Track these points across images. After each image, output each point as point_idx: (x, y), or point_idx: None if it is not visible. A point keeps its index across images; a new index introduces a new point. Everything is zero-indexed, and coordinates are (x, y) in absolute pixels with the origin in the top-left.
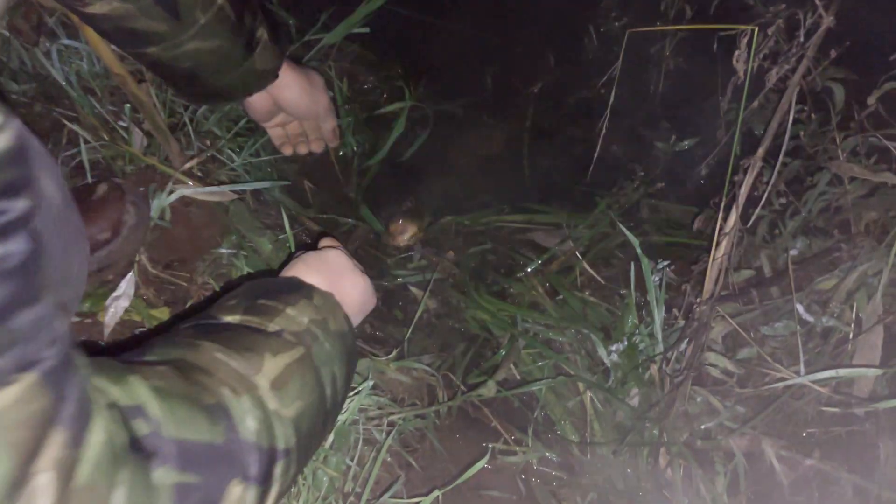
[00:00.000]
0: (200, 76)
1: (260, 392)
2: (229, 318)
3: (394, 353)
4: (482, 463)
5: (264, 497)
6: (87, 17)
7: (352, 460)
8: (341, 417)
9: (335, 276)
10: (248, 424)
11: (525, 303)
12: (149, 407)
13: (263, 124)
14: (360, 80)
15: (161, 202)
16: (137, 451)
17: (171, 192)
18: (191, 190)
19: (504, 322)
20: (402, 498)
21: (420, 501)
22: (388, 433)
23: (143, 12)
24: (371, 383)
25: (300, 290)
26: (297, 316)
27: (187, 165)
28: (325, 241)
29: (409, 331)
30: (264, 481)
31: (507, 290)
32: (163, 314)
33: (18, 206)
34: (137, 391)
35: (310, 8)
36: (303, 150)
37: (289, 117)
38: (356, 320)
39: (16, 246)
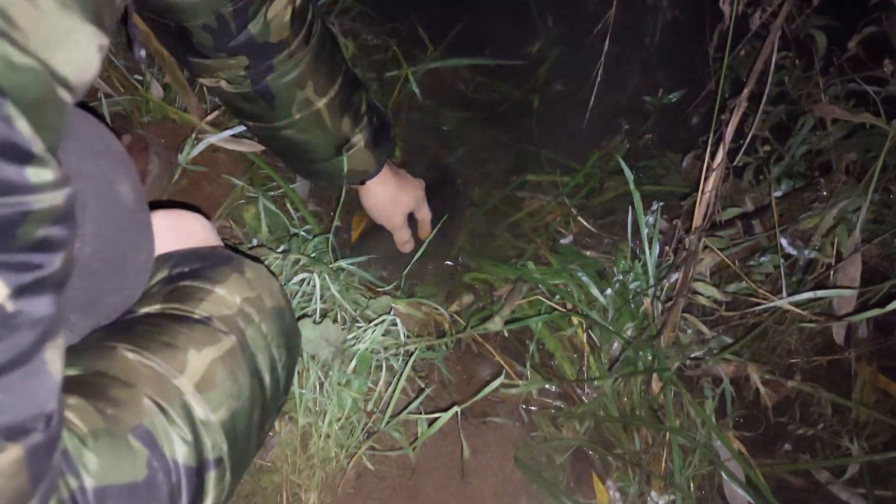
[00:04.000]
0: (293, 151)
1: (185, 397)
2: (147, 309)
3: (393, 285)
4: (498, 381)
5: None
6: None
7: (374, 384)
8: (361, 347)
9: (183, 228)
10: (175, 446)
11: (527, 255)
12: (75, 456)
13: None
14: (364, 37)
15: (191, 150)
16: None
17: (199, 141)
18: (218, 137)
19: (507, 273)
20: (420, 414)
21: (440, 416)
22: (405, 361)
23: (244, 98)
24: (393, 318)
25: (229, 262)
26: (227, 296)
27: (210, 117)
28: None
29: (408, 267)
30: (196, 499)
31: (508, 244)
32: None
33: (55, 263)
34: (68, 441)
35: None
36: (407, 248)
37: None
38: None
39: (40, 307)
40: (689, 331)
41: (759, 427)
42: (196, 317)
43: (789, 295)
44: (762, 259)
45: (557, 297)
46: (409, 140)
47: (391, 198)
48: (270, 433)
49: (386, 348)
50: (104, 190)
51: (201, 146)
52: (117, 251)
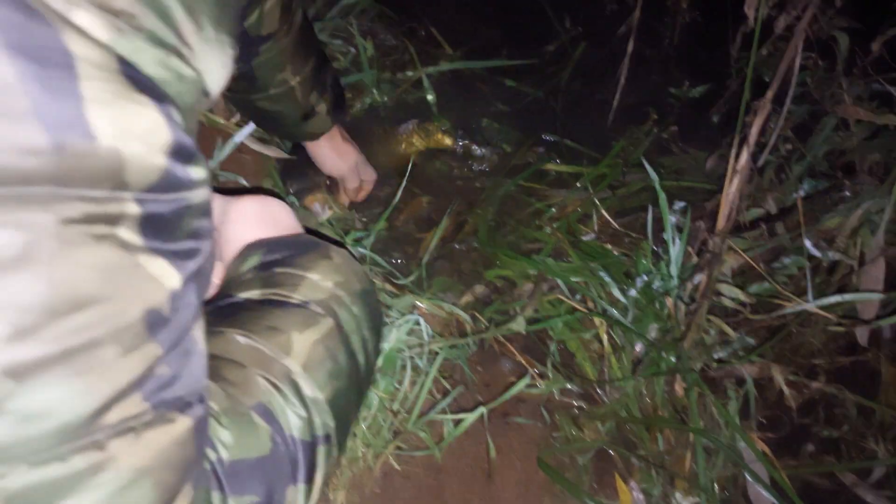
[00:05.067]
0: (263, 118)
1: (294, 377)
2: (248, 294)
3: (412, 277)
4: (524, 382)
5: (311, 489)
6: None
7: (399, 384)
8: (386, 346)
9: (271, 215)
10: (291, 421)
11: (547, 249)
12: (212, 432)
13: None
14: (381, 37)
15: (220, 154)
16: (214, 488)
17: (227, 141)
18: (242, 135)
19: (528, 267)
20: (446, 414)
21: (465, 417)
22: (431, 361)
23: (233, 80)
24: (417, 317)
25: (316, 248)
26: (320, 281)
27: (234, 119)
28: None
29: (426, 258)
30: (311, 476)
31: (528, 236)
32: None
33: (206, 250)
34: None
35: None
36: (343, 199)
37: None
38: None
39: (194, 291)
40: (713, 331)
41: (784, 428)
42: (294, 301)
43: (814, 297)
44: (786, 260)
45: (578, 296)
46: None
47: (339, 150)
48: None
49: (410, 347)
50: None
51: (228, 148)
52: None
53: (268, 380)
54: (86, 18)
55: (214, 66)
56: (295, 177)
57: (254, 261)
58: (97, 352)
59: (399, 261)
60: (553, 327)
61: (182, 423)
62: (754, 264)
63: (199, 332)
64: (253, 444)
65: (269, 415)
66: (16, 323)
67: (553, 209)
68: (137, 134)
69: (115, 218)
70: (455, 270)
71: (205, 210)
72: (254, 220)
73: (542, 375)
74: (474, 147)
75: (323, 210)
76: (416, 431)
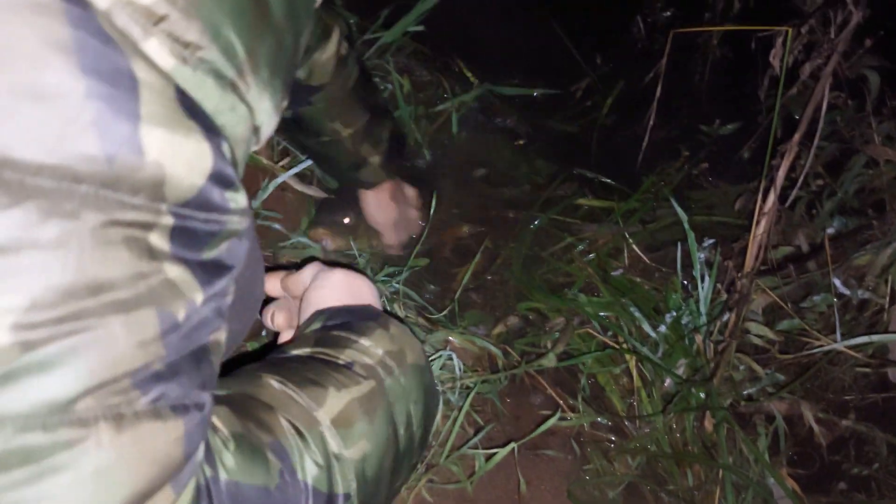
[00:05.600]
0: (315, 156)
1: (321, 429)
2: (298, 351)
3: (445, 312)
4: (554, 419)
5: None
6: None
7: None
8: None
9: (352, 287)
10: (308, 467)
11: (578, 284)
12: (216, 452)
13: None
14: (417, 73)
15: (263, 193)
16: (202, 501)
17: (272, 181)
18: (285, 176)
19: (559, 304)
20: (478, 449)
21: (497, 452)
22: (463, 396)
23: (283, 120)
24: (450, 353)
25: (376, 318)
26: (371, 347)
27: (283, 162)
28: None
29: (458, 293)
30: None
31: (559, 270)
32: None
33: (234, 273)
34: (211, 439)
35: (371, 5)
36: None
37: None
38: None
39: (212, 309)
40: (742, 368)
41: (814, 465)
42: (340, 361)
43: (843, 335)
44: (815, 298)
45: (609, 332)
46: (455, 168)
47: (385, 205)
48: None
49: (443, 382)
50: None
51: (271, 187)
52: (240, 283)
53: (292, 424)
54: (155, 47)
55: (266, 106)
56: (330, 214)
57: (317, 325)
58: (103, 335)
59: (432, 295)
60: (583, 362)
61: (173, 425)
62: (782, 303)
63: (215, 356)
64: (258, 473)
65: (283, 453)
66: (35, 298)
67: (584, 243)
68: (182, 156)
69: (150, 225)
70: (487, 303)
71: (239, 238)
72: (336, 289)
73: (572, 408)
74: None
75: (328, 242)
76: (449, 465)
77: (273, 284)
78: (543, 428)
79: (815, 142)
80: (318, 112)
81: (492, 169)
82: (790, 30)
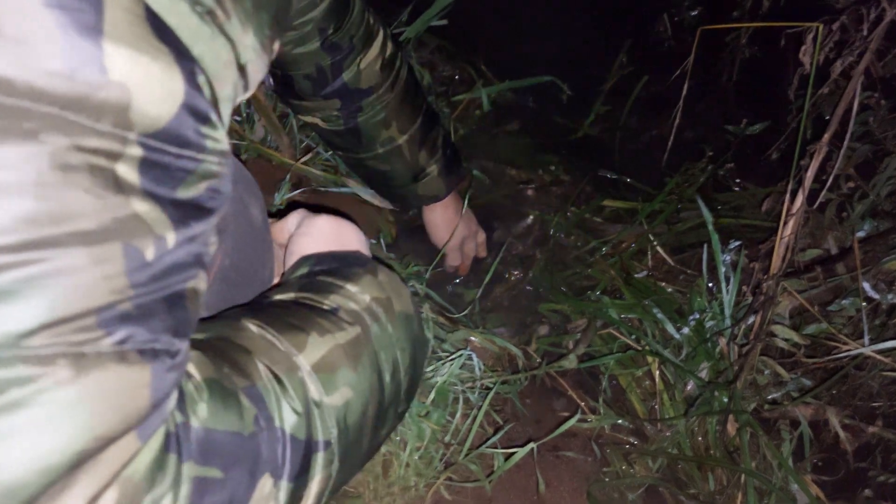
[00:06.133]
0: (374, 178)
1: (301, 374)
2: (281, 296)
3: (466, 311)
4: (573, 420)
5: (301, 493)
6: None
7: (451, 416)
8: (439, 380)
9: (339, 233)
10: (285, 415)
11: (601, 286)
12: (189, 399)
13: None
14: (440, 69)
15: (286, 192)
16: (170, 450)
17: (295, 186)
18: (312, 188)
19: (581, 306)
20: (497, 448)
21: (516, 451)
22: (483, 395)
23: (337, 134)
24: (470, 353)
25: (364, 264)
26: (357, 293)
27: (303, 159)
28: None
29: (479, 292)
30: (299, 476)
31: (581, 273)
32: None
33: (213, 218)
34: (184, 385)
35: (393, 1)
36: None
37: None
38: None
39: (187, 252)
40: (767, 372)
41: (839, 472)
42: (325, 307)
43: (871, 340)
44: (843, 302)
45: (633, 336)
46: (479, 164)
47: (449, 220)
48: None
49: (463, 381)
50: (240, 211)
51: (296, 192)
52: (248, 264)
53: (270, 369)
54: None
55: (250, 42)
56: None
57: (303, 270)
58: (64, 266)
59: (453, 294)
60: (605, 364)
61: (140, 370)
62: (809, 307)
63: (191, 294)
64: (232, 420)
65: (259, 399)
66: None
67: (608, 245)
68: (149, 78)
69: (116, 155)
70: (509, 304)
71: (220, 180)
72: (322, 236)
73: (593, 410)
74: (530, 180)
75: None
76: (467, 464)
77: None
78: (563, 429)
79: (846, 142)
80: (371, 118)
81: (514, 169)
82: (821, 26)
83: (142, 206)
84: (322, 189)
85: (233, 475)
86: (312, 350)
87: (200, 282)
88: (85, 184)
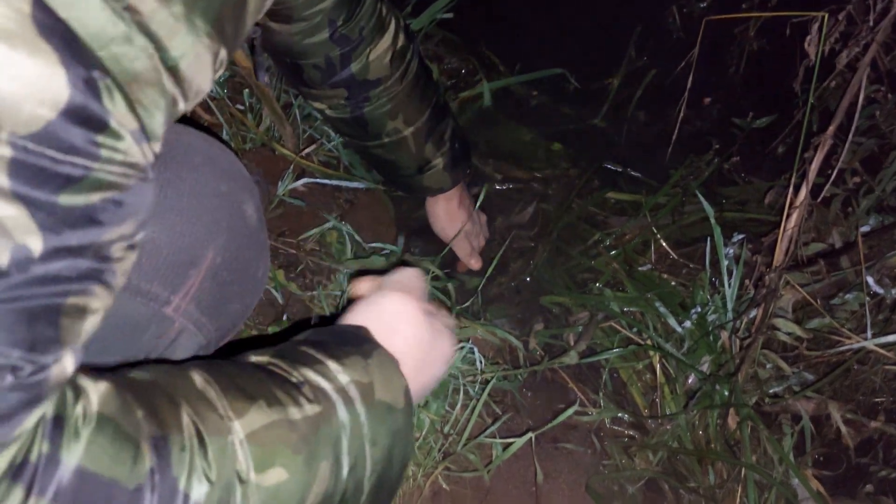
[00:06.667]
0: (380, 166)
1: (232, 439)
2: (256, 358)
3: (468, 303)
4: (571, 411)
5: None
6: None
7: (451, 407)
8: None
9: (391, 324)
10: (193, 480)
11: (603, 279)
12: (69, 428)
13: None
14: (446, 61)
15: (289, 183)
16: (17, 480)
17: (298, 177)
18: (314, 180)
19: (583, 299)
20: (495, 438)
21: (514, 441)
22: (482, 388)
23: (343, 122)
24: (471, 346)
25: (361, 344)
26: (336, 372)
27: (305, 151)
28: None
29: (481, 283)
30: None
31: (584, 265)
32: (278, 275)
33: (109, 232)
34: (70, 411)
35: None
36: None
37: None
38: (418, 395)
39: (64, 267)
40: (769, 366)
41: (840, 467)
42: (291, 379)
43: (874, 335)
44: (847, 296)
45: (634, 329)
46: (482, 156)
47: (453, 212)
48: None
49: (463, 373)
50: (234, 208)
51: (299, 183)
52: (240, 263)
53: (196, 426)
54: None
55: (182, 43)
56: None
57: (300, 337)
58: None
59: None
60: (605, 359)
61: None
62: (811, 300)
63: (73, 321)
64: (115, 466)
65: (165, 454)
66: None
67: (611, 237)
68: (22, 79)
69: None
70: (511, 296)
71: (121, 193)
72: (373, 317)
73: (593, 403)
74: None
75: None
76: (466, 454)
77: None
78: (561, 419)
79: (851, 136)
80: (378, 109)
81: (518, 161)
82: (826, 15)
83: (5, 209)
84: (324, 182)
85: None
86: (253, 418)
87: (93, 300)
88: None
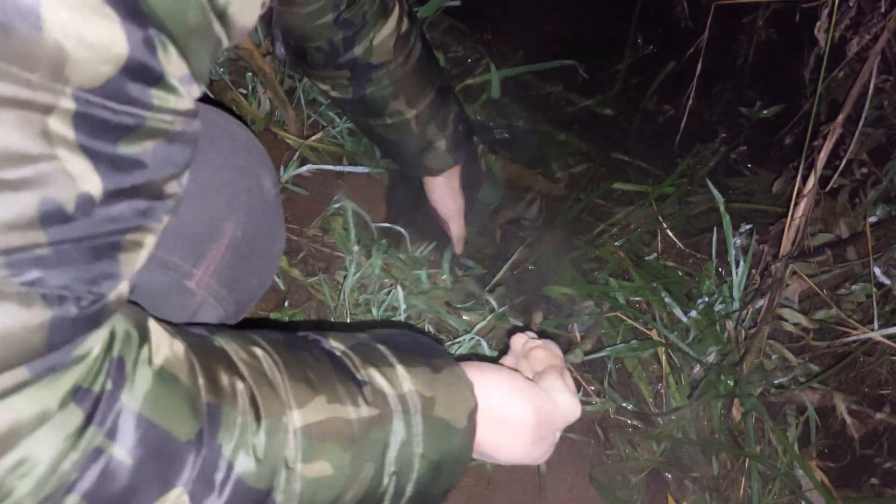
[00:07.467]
0: (383, 144)
1: (287, 425)
2: (333, 344)
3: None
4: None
5: None
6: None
7: None
8: None
9: (507, 402)
10: (240, 453)
11: (609, 268)
12: (133, 370)
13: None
14: (453, 49)
15: (293, 170)
16: (78, 403)
17: (301, 163)
18: (316, 167)
19: (589, 289)
20: None
21: None
22: None
23: (346, 101)
24: (479, 339)
25: (429, 357)
26: (401, 378)
27: (311, 139)
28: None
29: (494, 280)
30: None
31: (589, 255)
32: (281, 261)
33: (155, 174)
34: (135, 355)
35: None
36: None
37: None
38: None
39: (124, 209)
40: (774, 356)
41: (844, 458)
42: (357, 376)
43: (881, 326)
44: (854, 287)
45: (640, 319)
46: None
47: (453, 192)
48: None
49: None
50: (253, 183)
51: (303, 169)
52: (260, 237)
53: (255, 403)
54: None
55: None
56: (399, 204)
57: (382, 332)
58: None
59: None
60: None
61: (38, 311)
62: (818, 290)
63: (130, 253)
64: (172, 418)
65: (215, 419)
66: None
67: (617, 227)
68: (88, 41)
69: (48, 108)
70: (515, 286)
71: (169, 141)
72: (487, 381)
73: (598, 393)
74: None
75: None
76: None
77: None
78: None
79: (859, 126)
80: (381, 91)
81: (526, 151)
82: (837, 0)
83: (68, 159)
84: (328, 167)
85: (144, 467)
86: (312, 411)
87: (147, 235)
88: (12, 134)
